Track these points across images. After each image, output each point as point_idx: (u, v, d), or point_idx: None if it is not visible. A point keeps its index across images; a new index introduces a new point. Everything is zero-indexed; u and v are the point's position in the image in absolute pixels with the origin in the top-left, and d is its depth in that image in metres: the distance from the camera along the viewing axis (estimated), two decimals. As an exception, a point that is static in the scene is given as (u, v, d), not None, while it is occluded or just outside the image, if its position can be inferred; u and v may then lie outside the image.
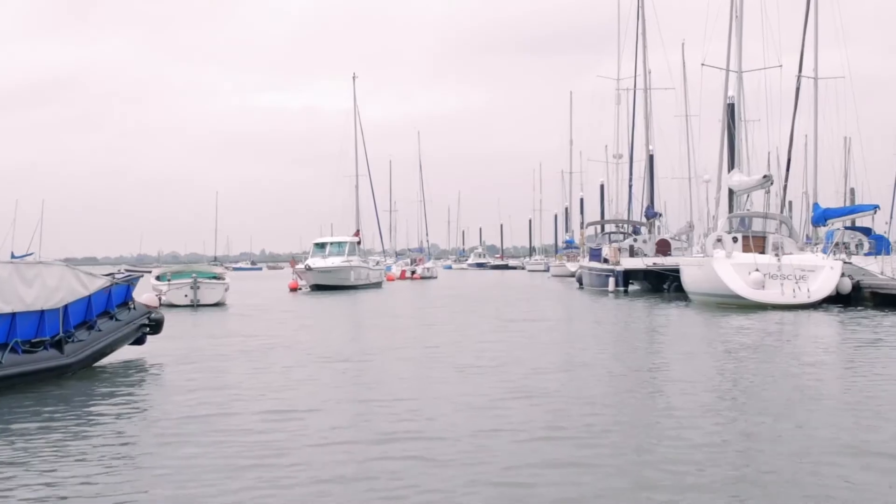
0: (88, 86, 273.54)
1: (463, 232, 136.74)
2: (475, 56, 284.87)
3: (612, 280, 35.22)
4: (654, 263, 34.87)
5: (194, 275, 29.12)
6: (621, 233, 43.48)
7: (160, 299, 29.04)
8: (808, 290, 22.69)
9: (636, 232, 42.71)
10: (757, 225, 26.80)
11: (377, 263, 53.59)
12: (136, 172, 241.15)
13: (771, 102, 40.22)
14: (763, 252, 24.70)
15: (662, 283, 34.13)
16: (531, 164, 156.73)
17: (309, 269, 42.34)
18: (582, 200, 73.78)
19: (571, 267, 59.23)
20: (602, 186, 59.49)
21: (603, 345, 15.54)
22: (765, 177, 26.80)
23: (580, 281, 42.27)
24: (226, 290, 30.03)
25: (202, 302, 28.45)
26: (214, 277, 30.19)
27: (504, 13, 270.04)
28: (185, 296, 28.50)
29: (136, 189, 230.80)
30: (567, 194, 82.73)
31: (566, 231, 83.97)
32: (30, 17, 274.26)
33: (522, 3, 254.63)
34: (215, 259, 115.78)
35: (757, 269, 23.13)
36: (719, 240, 24.52)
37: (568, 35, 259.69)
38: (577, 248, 65.02)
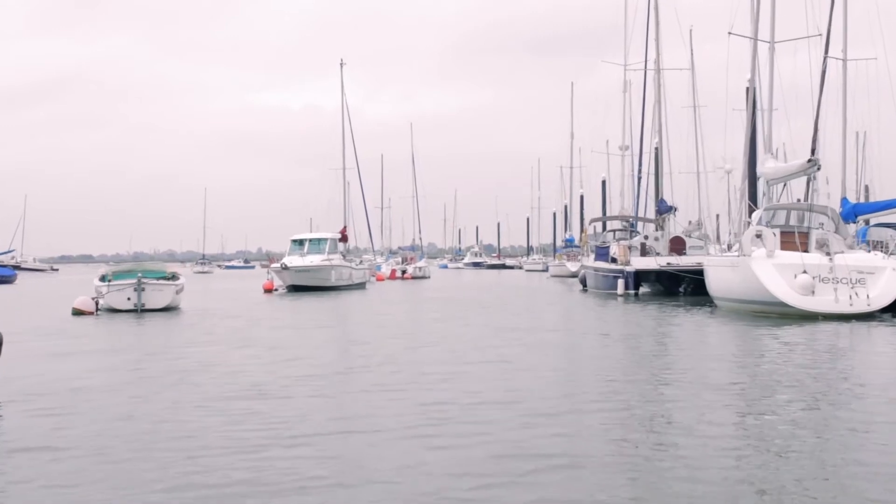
0: (90, 84, 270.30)
1: (459, 231, 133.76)
2: (476, 56, 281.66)
3: (620, 282, 31.20)
4: (669, 263, 30.96)
5: (139, 275, 24.93)
6: (629, 230, 39.49)
7: (97, 303, 25.14)
8: (868, 297, 18.68)
9: (632, 227, 38.88)
10: (796, 219, 22.73)
11: (360, 262, 49.44)
12: (136, 171, 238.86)
13: (786, 93, 36.13)
14: (807, 251, 20.65)
15: (677, 286, 30.37)
16: (530, 164, 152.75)
17: (285, 268, 38.35)
18: (582, 197, 69.69)
19: (572, 267, 55.90)
20: (604, 182, 55.55)
21: (618, 370, 11.53)
22: (809, 161, 22.56)
23: (583, 282, 38.38)
24: (178, 291, 25.91)
25: (148, 306, 24.30)
26: (164, 277, 25.96)
27: (505, 13, 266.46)
28: (128, 299, 24.34)
29: (135, 187, 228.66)
30: (567, 191, 78.63)
31: (565, 230, 79.88)
32: (32, 16, 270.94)
33: (524, 3, 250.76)
34: (203, 257, 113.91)
35: (805, 272, 19.10)
36: (758, 235, 20.39)
37: (570, 36, 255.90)
38: (577, 246, 61.31)
